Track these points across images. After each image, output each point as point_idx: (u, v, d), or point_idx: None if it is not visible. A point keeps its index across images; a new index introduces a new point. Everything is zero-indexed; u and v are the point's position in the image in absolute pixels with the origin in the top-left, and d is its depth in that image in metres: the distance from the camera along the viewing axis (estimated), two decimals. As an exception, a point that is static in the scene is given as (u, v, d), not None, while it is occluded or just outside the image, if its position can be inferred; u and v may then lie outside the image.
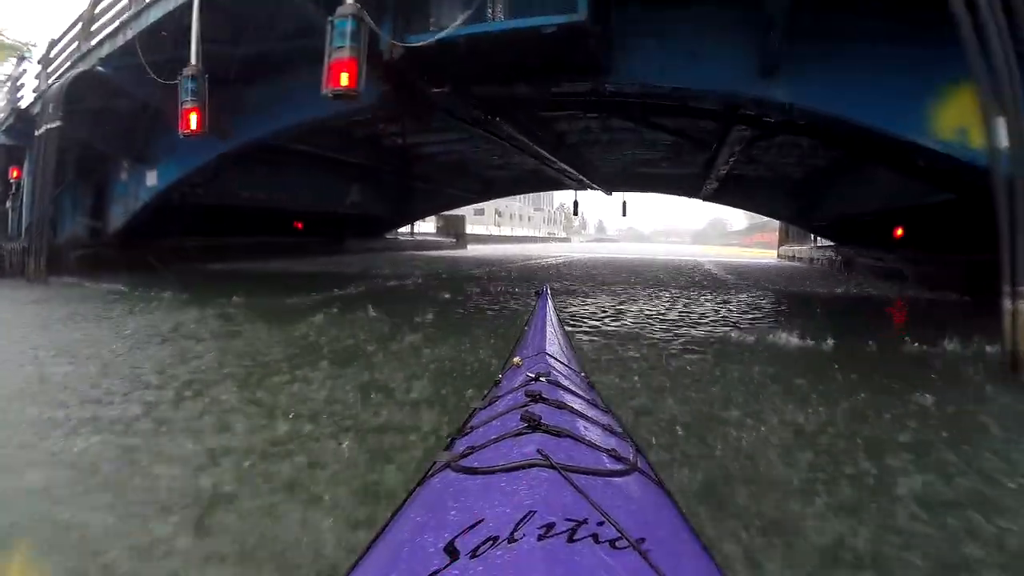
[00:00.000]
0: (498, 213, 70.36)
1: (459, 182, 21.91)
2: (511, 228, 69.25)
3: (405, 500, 0.97)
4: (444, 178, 20.87)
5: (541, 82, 7.68)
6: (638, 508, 0.87)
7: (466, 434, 1.24)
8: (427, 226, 42.66)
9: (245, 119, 11.53)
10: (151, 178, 12.91)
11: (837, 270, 15.62)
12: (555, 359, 1.79)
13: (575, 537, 0.66)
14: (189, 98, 8.44)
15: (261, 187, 17.49)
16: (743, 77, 7.37)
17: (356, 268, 13.58)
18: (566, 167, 14.81)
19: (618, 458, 1.02)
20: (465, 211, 68.64)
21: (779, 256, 25.32)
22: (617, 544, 0.67)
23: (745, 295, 10.67)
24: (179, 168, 12.41)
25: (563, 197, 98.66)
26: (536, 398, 1.22)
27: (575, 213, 22.65)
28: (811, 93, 7.36)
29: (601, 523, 0.70)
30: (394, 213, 25.11)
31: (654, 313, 7.67)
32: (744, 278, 13.98)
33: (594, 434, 1.14)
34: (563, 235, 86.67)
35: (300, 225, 20.09)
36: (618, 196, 23.10)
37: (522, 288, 9.98)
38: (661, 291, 10.67)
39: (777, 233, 56.07)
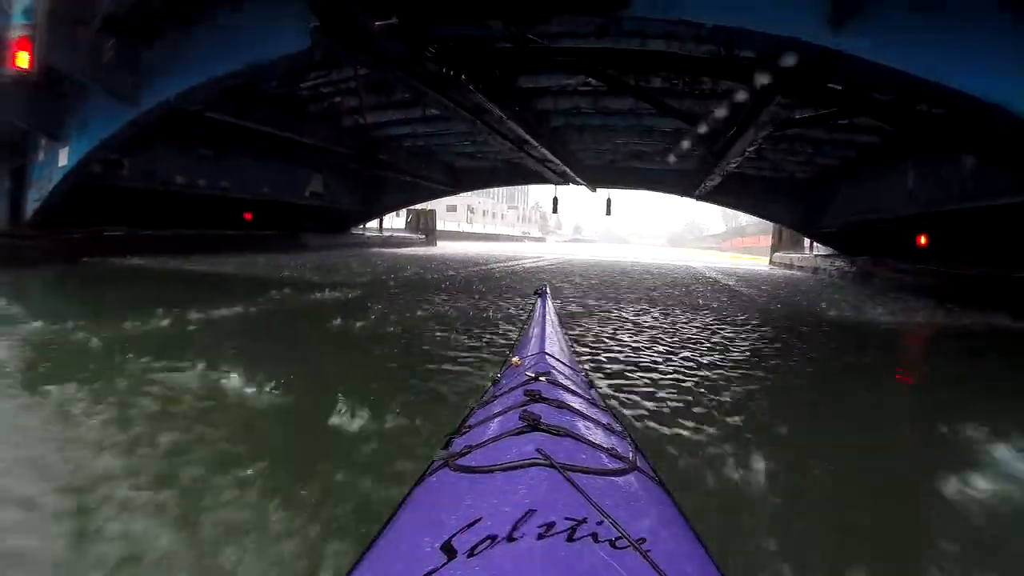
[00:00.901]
0: (471, 210, 67.99)
1: (428, 172, 19.42)
2: (483, 225, 66.89)
3: (403, 499, 0.96)
4: (412, 167, 18.37)
5: (525, 16, 5.37)
6: (638, 507, 0.86)
7: (464, 433, 1.21)
8: (399, 221, 40.05)
9: (156, 80, 9.20)
10: (63, 157, 10.80)
11: (853, 283, 13.78)
12: (555, 359, 1.76)
13: (575, 536, 0.66)
14: (19, 24, 5.84)
15: (202, 172, 14.90)
16: (809, 22, 5.24)
17: (290, 270, 10.95)
18: (547, 154, 12.54)
19: (617, 457, 1.02)
20: (438, 208, 66.76)
21: (773, 263, 23.72)
22: (617, 543, 0.67)
23: (810, 328, 7.36)
24: (88, 143, 10.21)
25: (539, 195, 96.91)
26: (535, 397, 1.21)
27: (555, 210, 20.44)
28: (903, 50, 5.28)
29: (600, 522, 0.70)
30: (360, 207, 22.58)
31: (721, 367, 4.61)
32: (765, 292, 11.75)
33: (593, 433, 1.13)
34: (538, 235, 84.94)
35: (249, 216, 17.38)
36: (598, 196, 21.05)
37: (507, 310, 6.75)
38: (689, 313, 7.74)
39: (759, 238, 55.05)
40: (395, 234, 28.13)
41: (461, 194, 76.01)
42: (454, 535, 0.70)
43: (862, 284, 13.22)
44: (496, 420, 1.19)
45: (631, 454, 1.09)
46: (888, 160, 13.24)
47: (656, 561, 0.64)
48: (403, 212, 33.31)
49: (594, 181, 18.93)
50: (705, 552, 0.83)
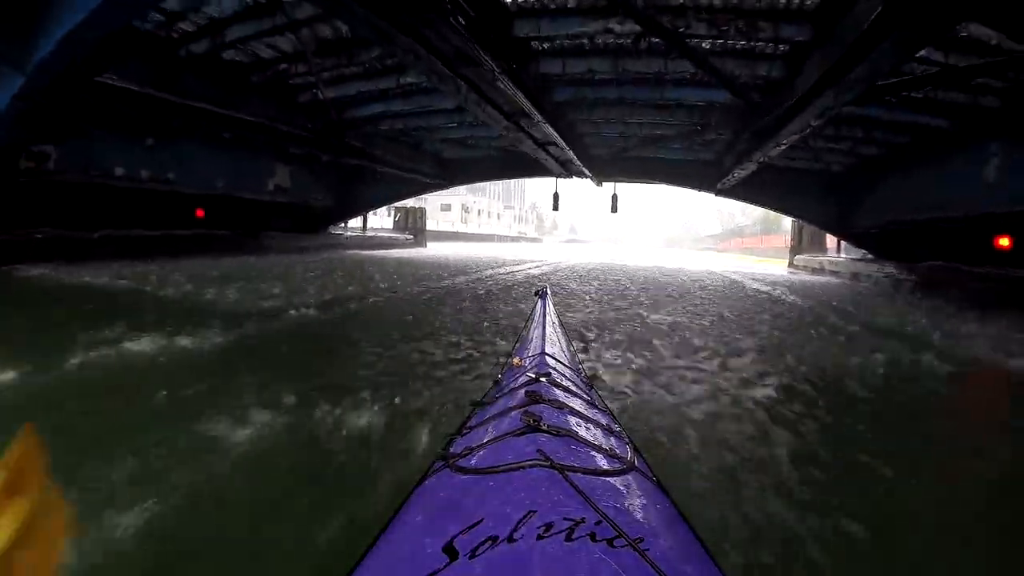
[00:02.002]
0: (465, 209, 65.64)
1: (412, 163, 17.07)
2: (479, 225, 64.58)
3: (404, 500, 0.96)
4: (393, 156, 16.02)
5: None
6: (636, 507, 0.86)
7: (465, 434, 1.21)
8: (385, 220, 37.69)
9: (40, 39, 6.91)
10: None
11: (918, 294, 11.52)
12: (555, 359, 1.76)
13: (574, 536, 0.67)
14: None
15: (146, 162, 12.49)
16: None
17: (208, 285, 7.64)
18: (550, 133, 10.19)
19: (616, 458, 1.03)
20: (431, 207, 64.31)
21: (794, 267, 21.48)
22: (615, 543, 0.67)
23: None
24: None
25: (535, 196, 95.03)
26: (536, 398, 1.22)
27: (555, 207, 18.09)
28: None
29: (599, 522, 0.71)
30: (336, 203, 20.16)
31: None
32: (836, 310, 9.08)
33: (593, 434, 1.13)
34: (535, 235, 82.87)
35: (202, 213, 14.96)
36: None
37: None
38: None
39: (761, 239, 52.87)
40: (379, 234, 25.73)
41: (455, 192, 73.35)
42: (455, 536, 0.70)
43: (931, 296, 10.96)
44: (497, 421, 1.19)
45: (630, 455, 1.08)
46: (960, 147, 11.01)
47: (654, 560, 0.64)
48: (391, 211, 30.96)
49: (602, 173, 16.61)
50: (704, 551, 0.83)
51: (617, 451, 1.07)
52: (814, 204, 16.84)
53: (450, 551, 0.67)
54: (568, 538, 0.67)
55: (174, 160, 13.19)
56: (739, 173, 13.42)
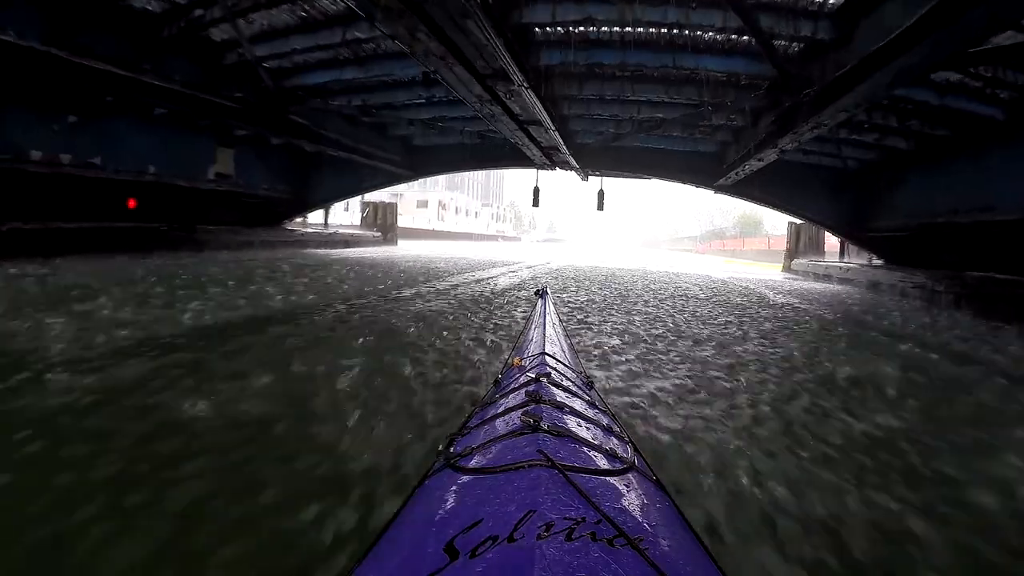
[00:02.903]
0: (442, 206, 63.26)
1: (374, 149, 14.83)
2: (456, 223, 62.29)
3: (405, 500, 0.97)
4: (348, 140, 13.77)
5: None
6: (636, 507, 0.86)
7: (466, 434, 1.20)
8: (350, 216, 35.22)
9: None
10: None
11: (956, 307, 9.84)
12: (555, 359, 1.75)
13: (574, 536, 0.67)
14: None
15: (68, 144, 10.11)
16: None
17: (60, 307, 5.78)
18: (534, 106, 8.13)
19: (616, 457, 1.03)
20: (406, 203, 61.80)
21: (791, 271, 19.90)
22: (616, 542, 0.67)
23: None
24: None
25: (513, 194, 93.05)
26: (536, 398, 1.21)
27: (535, 203, 16.07)
28: None
29: (600, 522, 0.71)
30: (290, 194, 17.77)
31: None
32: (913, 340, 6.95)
33: (593, 434, 1.12)
34: (513, 234, 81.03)
35: (134, 203, 12.51)
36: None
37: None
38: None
39: (743, 241, 51.56)
40: (340, 230, 23.37)
41: (433, 188, 71.13)
42: (456, 536, 0.70)
43: (974, 310, 9.29)
44: (497, 421, 1.18)
45: (630, 454, 1.08)
46: (1015, 139, 9.37)
47: (654, 559, 0.65)
48: (357, 206, 28.50)
49: (590, 165, 14.65)
50: (702, 551, 0.83)
51: (617, 451, 1.06)
52: (825, 203, 15.18)
53: (451, 551, 0.67)
54: (568, 538, 0.66)
55: (101, 141, 10.92)
56: (749, 167, 11.60)
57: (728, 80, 9.00)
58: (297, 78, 10.60)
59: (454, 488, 0.91)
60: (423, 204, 62.95)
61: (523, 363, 1.73)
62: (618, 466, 0.99)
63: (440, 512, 0.83)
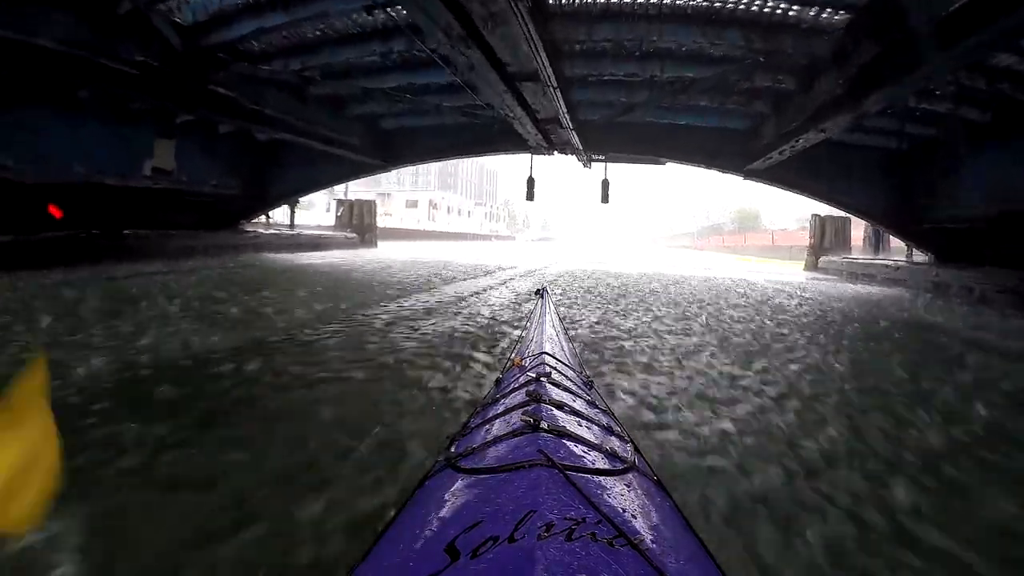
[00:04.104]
0: (433, 206, 60.56)
1: (331, 132, 12.27)
2: (448, 223, 59.67)
3: (406, 500, 0.96)
4: (293, 118, 11.21)
5: None
6: (636, 507, 0.86)
7: (467, 434, 1.20)
8: (332, 215, 32.49)
9: None
10: None
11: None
12: (555, 359, 1.74)
13: (574, 536, 0.67)
14: None
15: None
16: None
17: None
18: (531, 41, 5.58)
19: (616, 457, 1.02)
20: (395, 203, 59.12)
21: (819, 269, 17.46)
22: (616, 542, 0.67)
23: None
24: None
25: (508, 192, 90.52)
26: (536, 398, 1.21)
27: (529, 196, 13.62)
28: None
29: (600, 522, 0.71)
30: (244, 191, 15.23)
31: None
32: None
33: (593, 434, 1.12)
34: (507, 233, 78.62)
35: (58, 212, 9.93)
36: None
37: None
38: None
39: (745, 236, 48.79)
40: (306, 232, 20.82)
41: (425, 188, 68.35)
42: (457, 536, 0.70)
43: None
44: (498, 421, 1.18)
45: (630, 454, 1.08)
46: None
47: (654, 560, 0.64)
48: (332, 203, 25.86)
49: (595, 146, 12.16)
50: (703, 551, 0.83)
51: (617, 451, 1.05)
52: (872, 191, 12.76)
53: (452, 551, 0.66)
54: (569, 538, 0.66)
55: (14, 137, 8.57)
56: (803, 140, 9.15)
57: (787, 22, 6.54)
58: (215, 34, 8.04)
59: (455, 488, 0.90)
60: (413, 204, 60.37)
61: (523, 363, 1.71)
62: (618, 466, 0.97)
63: (441, 512, 0.82)
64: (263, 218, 22.23)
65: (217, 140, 13.31)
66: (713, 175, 13.61)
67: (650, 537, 0.72)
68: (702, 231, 72.40)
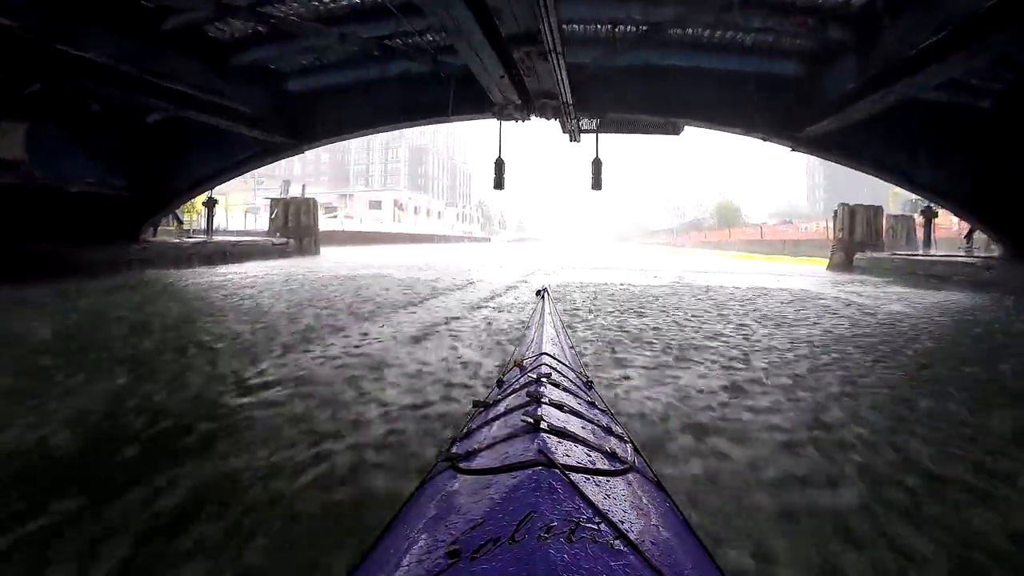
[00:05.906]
0: (399, 206, 56.27)
1: (207, 94, 8.39)
2: (415, 224, 55.55)
3: (406, 501, 0.95)
4: (133, 66, 7.33)
5: None
6: (636, 507, 0.85)
7: (467, 435, 1.18)
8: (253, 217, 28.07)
9: None
10: None
11: None
12: (555, 359, 1.73)
13: (574, 537, 0.66)
14: None
15: None
16: None
17: None
18: None
19: (616, 458, 1.02)
20: (358, 203, 54.62)
21: (855, 269, 14.24)
22: (616, 543, 0.67)
23: None
24: None
25: (482, 194, 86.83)
26: (536, 399, 1.19)
27: (498, 183, 10.10)
28: None
29: (600, 523, 0.71)
30: (136, 190, 11.32)
31: None
32: None
33: (593, 434, 1.11)
34: (482, 235, 74.99)
35: None
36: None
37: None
38: None
39: (729, 232, 45.23)
40: (228, 240, 16.67)
41: (391, 188, 63.70)
42: (457, 537, 0.69)
43: None
44: (498, 422, 1.16)
45: (630, 454, 1.08)
46: None
47: (655, 561, 0.64)
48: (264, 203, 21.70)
49: (590, 104, 8.54)
50: (702, 551, 0.83)
51: (617, 451, 1.04)
52: (952, 169, 9.43)
53: (452, 552, 0.65)
54: (569, 539, 0.65)
55: None
56: (891, 93, 5.71)
57: None
58: None
59: (455, 489, 0.89)
60: (376, 204, 56.12)
61: (524, 363, 1.72)
62: (618, 466, 0.97)
63: (441, 513, 0.81)
64: (174, 224, 18.14)
65: (91, 123, 9.64)
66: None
67: (650, 538, 0.72)
68: (681, 228, 70.02)
